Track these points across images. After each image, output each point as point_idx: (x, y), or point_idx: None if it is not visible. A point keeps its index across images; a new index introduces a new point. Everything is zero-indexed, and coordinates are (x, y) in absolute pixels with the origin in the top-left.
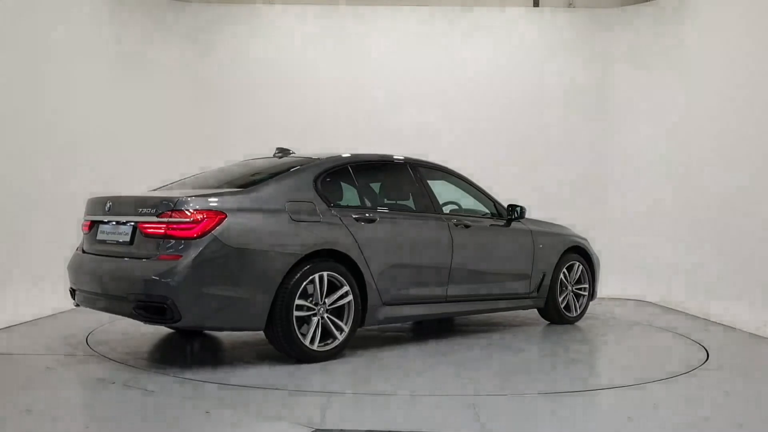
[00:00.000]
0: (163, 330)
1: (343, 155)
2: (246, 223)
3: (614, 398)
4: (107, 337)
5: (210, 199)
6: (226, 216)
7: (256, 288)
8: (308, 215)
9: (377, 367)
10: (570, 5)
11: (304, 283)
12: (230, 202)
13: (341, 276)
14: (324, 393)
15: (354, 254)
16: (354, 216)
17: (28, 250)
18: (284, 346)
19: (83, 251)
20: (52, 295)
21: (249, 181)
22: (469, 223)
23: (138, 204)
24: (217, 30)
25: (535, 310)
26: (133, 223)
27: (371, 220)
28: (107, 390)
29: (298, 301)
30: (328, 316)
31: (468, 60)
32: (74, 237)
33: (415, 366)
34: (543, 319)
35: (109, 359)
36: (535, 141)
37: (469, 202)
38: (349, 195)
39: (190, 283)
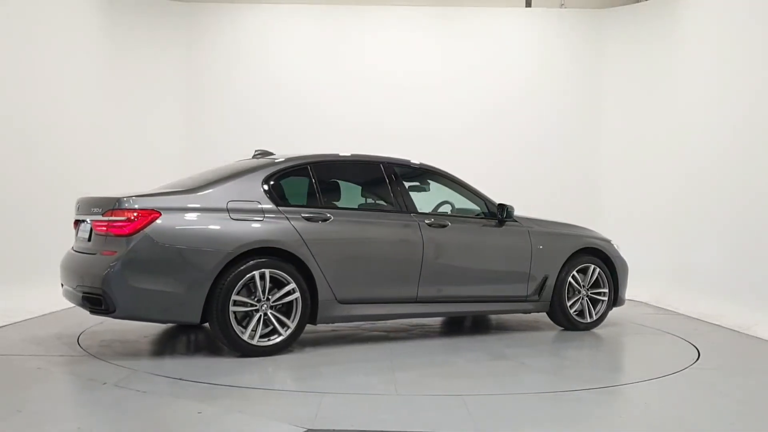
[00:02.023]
0: (153, 330)
1: (309, 155)
2: (181, 221)
3: (606, 397)
4: (98, 337)
5: (146, 199)
6: (160, 215)
7: (188, 283)
8: (249, 214)
9: (368, 366)
10: (562, 6)
11: (243, 280)
12: (166, 202)
13: (287, 273)
14: (315, 392)
15: (301, 252)
16: (304, 215)
17: (20, 250)
18: (223, 340)
19: (72, 248)
20: (43, 295)
21: (209, 182)
22: (446, 222)
23: (92, 204)
24: (210, 30)
25: (548, 316)
26: (90, 222)
27: (324, 219)
28: (98, 390)
29: (235, 297)
30: (272, 313)
31: (460, 60)
32: (66, 236)
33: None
34: (557, 326)
35: (100, 359)
36: (527, 141)
37: (463, 202)
38: (307, 195)
39: (121, 276)
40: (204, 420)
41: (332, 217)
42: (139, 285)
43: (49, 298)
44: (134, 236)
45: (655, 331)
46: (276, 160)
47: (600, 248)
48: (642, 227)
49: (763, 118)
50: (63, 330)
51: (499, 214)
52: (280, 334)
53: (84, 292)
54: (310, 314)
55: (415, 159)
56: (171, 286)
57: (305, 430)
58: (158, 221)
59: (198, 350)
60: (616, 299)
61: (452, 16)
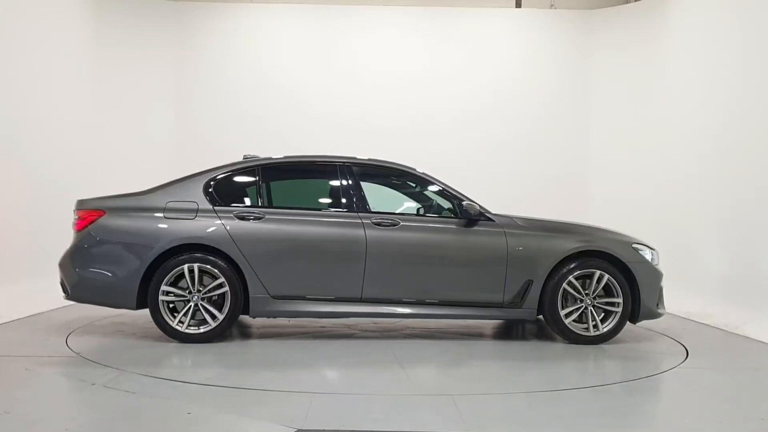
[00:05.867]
0: (142, 331)
1: (263, 158)
2: (120, 220)
3: (594, 396)
4: (87, 338)
5: (94, 201)
6: (104, 214)
7: (122, 274)
8: (183, 214)
9: (363, 364)
10: (552, 7)
11: (173, 273)
12: (111, 202)
13: (216, 268)
14: (307, 393)
15: (229, 249)
16: (236, 214)
17: (9, 251)
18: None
19: None
20: (31, 296)
21: (161, 185)
22: (397, 221)
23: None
24: (201, 29)
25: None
26: None
27: (257, 218)
28: (87, 391)
29: (165, 288)
30: (202, 304)
31: (450, 60)
32: (57, 237)
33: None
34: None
35: (89, 360)
36: (516, 140)
37: (444, 203)
38: (249, 196)
39: (69, 266)
40: (194, 420)
41: (266, 216)
42: (83, 273)
43: (38, 298)
44: (81, 232)
45: (643, 329)
46: (226, 164)
47: (609, 251)
48: (630, 226)
49: (750, 116)
50: (51, 331)
51: (464, 215)
52: (210, 324)
53: (60, 279)
54: (245, 307)
55: (384, 157)
56: (109, 276)
57: (296, 430)
58: (100, 219)
59: (188, 351)
60: (637, 311)
61: (443, 16)
